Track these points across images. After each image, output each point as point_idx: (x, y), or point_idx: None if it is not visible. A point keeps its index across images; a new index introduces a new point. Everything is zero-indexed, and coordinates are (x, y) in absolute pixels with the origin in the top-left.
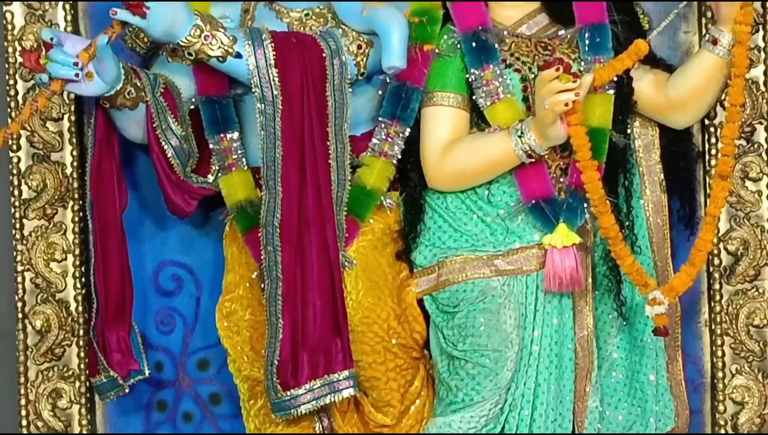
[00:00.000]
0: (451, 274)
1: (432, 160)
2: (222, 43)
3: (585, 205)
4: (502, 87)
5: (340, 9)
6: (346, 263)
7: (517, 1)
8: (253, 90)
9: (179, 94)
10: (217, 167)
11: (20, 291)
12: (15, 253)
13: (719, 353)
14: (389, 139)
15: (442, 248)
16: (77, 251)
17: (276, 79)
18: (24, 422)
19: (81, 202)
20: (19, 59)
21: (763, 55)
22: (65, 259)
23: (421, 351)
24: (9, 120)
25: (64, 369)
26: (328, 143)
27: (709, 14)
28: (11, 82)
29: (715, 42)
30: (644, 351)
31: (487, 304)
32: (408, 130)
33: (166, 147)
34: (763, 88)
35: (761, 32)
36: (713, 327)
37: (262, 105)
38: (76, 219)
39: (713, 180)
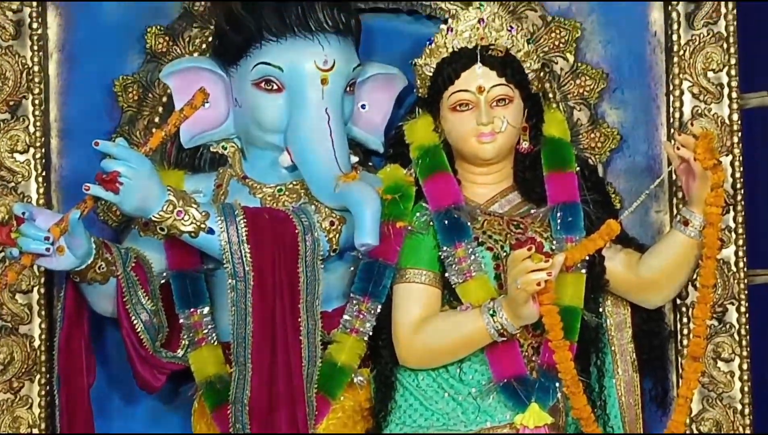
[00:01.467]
0: None
1: (404, 338)
2: (194, 218)
3: (557, 384)
4: (474, 265)
5: (312, 185)
6: None
7: (490, 177)
8: (224, 266)
9: (150, 269)
10: (186, 342)
11: None
12: None
13: None
14: (361, 316)
15: (413, 427)
16: (43, 426)
17: (248, 255)
18: None
19: (48, 375)
20: None
21: (734, 235)
22: (31, 433)
23: None
24: None
25: None
26: (299, 320)
27: (680, 195)
28: None
29: (686, 223)
30: None
31: None
32: (379, 306)
33: (135, 322)
34: (734, 269)
35: (731, 213)
36: None
37: (234, 281)
38: (43, 393)
39: (685, 361)
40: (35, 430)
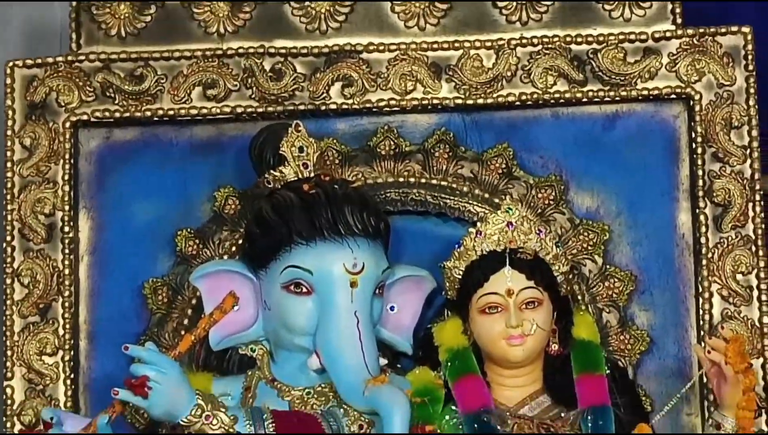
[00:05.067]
0: None
1: None
2: (222, 422)
3: None
4: None
5: (341, 388)
6: None
7: (519, 380)
8: None
9: None
10: None
11: None
12: None
13: None
14: None
15: None
16: None
17: None
18: None
19: None
20: None
21: None
22: None
23: None
24: None
25: None
26: None
27: (711, 398)
28: None
29: (718, 426)
30: None
31: None
32: None
33: None
34: None
35: (764, 416)
36: None
37: None
38: None
39: None
40: None
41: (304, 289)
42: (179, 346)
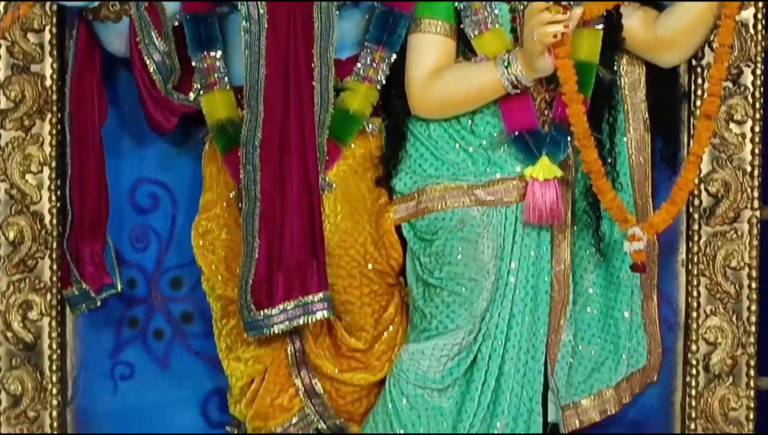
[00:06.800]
0: (430, 202)
1: (417, 87)
2: None
3: (568, 138)
4: (491, 17)
5: None
6: (326, 186)
7: None
8: (239, 8)
9: (164, 10)
10: (199, 85)
11: None
12: None
13: (695, 293)
14: (374, 65)
15: (423, 176)
16: (53, 164)
17: None
18: None
19: (59, 114)
20: None
21: None
22: (41, 171)
23: (397, 278)
24: None
25: (36, 281)
26: (312, 65)
27: None
28: None
29: None
30: (620, 288)
31: (466, 234)
32: (394, 56)
33: (148, 62)
34: (752, 31)
35: None
36: (690, 267)
37: (248, 23)
38: (54, 131)
39: (698, 120)
40: (45, 168)
41: None
42: None
